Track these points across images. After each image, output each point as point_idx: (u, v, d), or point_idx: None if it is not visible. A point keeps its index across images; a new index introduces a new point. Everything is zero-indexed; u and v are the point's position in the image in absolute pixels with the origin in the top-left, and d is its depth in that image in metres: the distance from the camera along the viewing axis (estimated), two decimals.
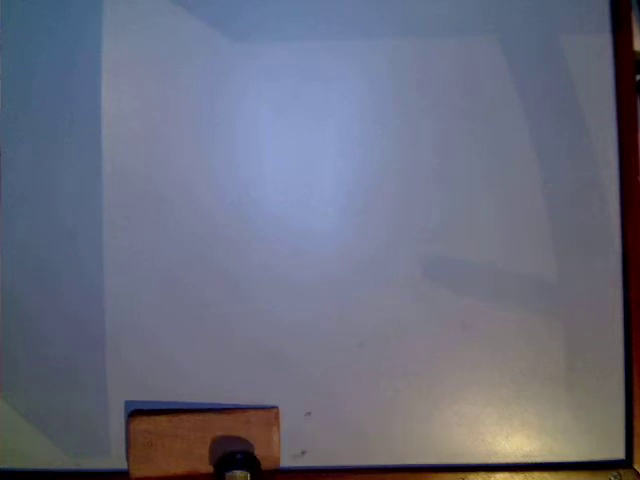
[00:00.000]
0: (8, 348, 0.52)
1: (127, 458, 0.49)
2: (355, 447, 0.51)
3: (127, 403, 0.51)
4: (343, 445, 0.51)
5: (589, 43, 0.52)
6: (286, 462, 0.51)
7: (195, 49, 0.53)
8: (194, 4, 0.53)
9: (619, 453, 0.51)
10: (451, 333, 0.51)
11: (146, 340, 0.52)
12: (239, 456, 0.48)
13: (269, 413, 0.50)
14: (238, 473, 0.46)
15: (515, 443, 0.51)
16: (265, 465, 0.49)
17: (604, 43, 0.52)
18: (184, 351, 0.52)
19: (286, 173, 0.53)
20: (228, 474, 0.46)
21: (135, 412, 0.50)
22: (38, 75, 0.53)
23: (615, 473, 0.50)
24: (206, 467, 0.49)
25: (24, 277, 0.52)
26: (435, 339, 0.51)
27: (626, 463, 0.50)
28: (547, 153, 0.52)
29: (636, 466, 0.50)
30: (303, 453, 0.51)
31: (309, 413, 0.51)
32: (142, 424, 0.49)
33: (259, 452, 0.49)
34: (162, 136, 0.53)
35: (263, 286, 0.52)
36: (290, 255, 0.52)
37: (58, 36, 0.53)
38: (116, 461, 0.51)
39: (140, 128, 0.53)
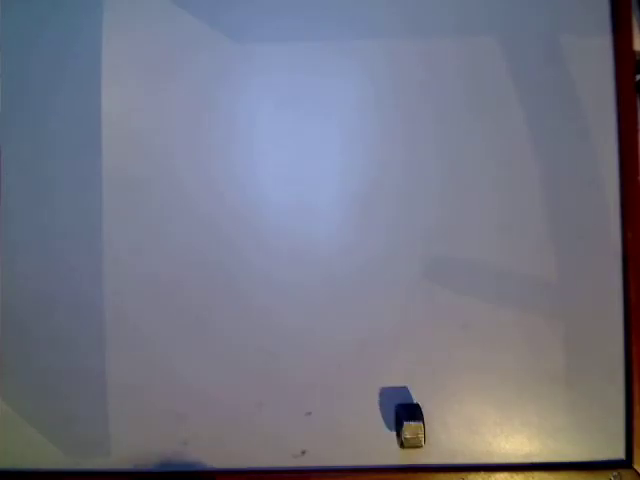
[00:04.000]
0: (8, 349, 0.52)
1: None
2: (355, 447, 0.51)
3: (127, 403, 0.52)
4: (343, 445, 0.51)
5: (589, 43, 0.52)
6: (286, 462, 0.51)
7: (194, 48, 0.53)
8: (193, 3, 0.53)
9: (619, 453, 0.51)
10: (451, 333, 0.51)
11: (146, 341, 0.52)
12: (415, 408, 0.49)
13: None
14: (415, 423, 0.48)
15: (515, 443, 0.51)
16: None
17: (604, 43, 0.52)
18: (184, 352, 0.52)
19: (286, 174, 0.53)
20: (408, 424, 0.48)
21: None
22: (38, 75, 0.53)
23: (615, 473, 0.50)
24: None
25: (24, 277, 0.52)
26: (435, 339, 0.51)
27: (626, 463, 0.50)
28: (547, 153, 0.52)
29: (636, 466, 0.50)
30: (303, 453, 0.51)
31: (309, 413, 0.51)
32: None
33: None
34: (161, 137, 0.53)
35: (263, 287, 0.52)
36: (291, 256, 0.52)
37: (57, 35, 0.53)
38: (116, 461, 0.51)
39: (139, 128, 0.53)
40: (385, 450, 0.51)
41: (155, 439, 0.51)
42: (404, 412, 0.49)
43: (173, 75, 0.53)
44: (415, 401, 0.51)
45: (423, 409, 0.51)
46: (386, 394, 0.51)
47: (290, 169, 0.53)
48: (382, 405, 0.51)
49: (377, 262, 0.52)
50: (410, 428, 0.47)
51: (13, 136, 0.53)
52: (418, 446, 0.47)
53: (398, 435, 0.49)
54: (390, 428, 0.51)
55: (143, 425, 0.51)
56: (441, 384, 0.51)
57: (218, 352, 0.52)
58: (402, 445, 0.48)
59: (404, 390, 0.51)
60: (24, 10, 0.53)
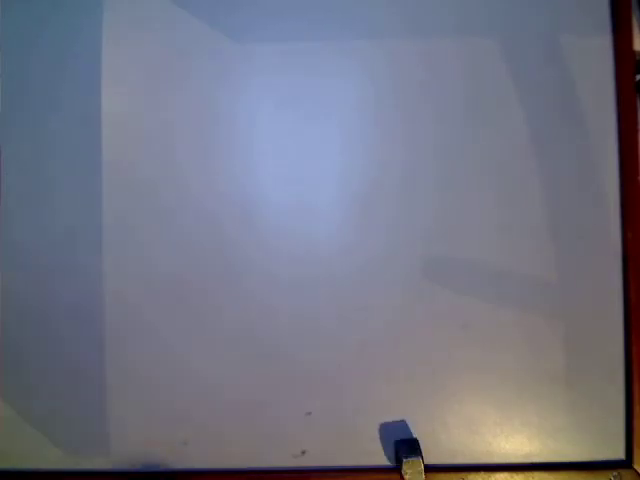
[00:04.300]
0: (8, 348, 0.52)
1: None
2: (355, 447, 0.51)
3: (127, 403, 0.52)
4: (343, 445, 0.51)
5: (589, 43, 0.52)
6: (286, 462, 0.51)
7: (194, 49, 0.53)
8: (193, 3, 0.53)
9: (619, 453, 0.51)
10: (451, 333, 0.51)
11: (146, 340, 0.52)
12: (414, 443, 0.50)
13: None
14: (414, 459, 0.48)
15: (515, 443, 0.51)
16: None
17: (604, 43, 0.52)
18: (185, 352, 0.52)
19: (287, 174, 0.53)
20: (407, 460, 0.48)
21: None
22: (38, 75, 0.53)
23: (615, 473, 0.50)
24: None
25: (24, 277, 0.52)
26: (435, 339, 0.51)
27: (626, 463, 0.50)
28: (547, 153, 0.52)
29: (636, 466, 0.50)
30: (303, 453, 0.51)
31: (309, 413, 0.51)
32: None
33: None
34: (161, 137, 0.53)
35: (263, 287, 0.52)
36: (291, 256, 0.52)
37: (58, 36, 0.53)
38: (116, 461, 0.51)
39: (140, 128, 0.53)
40: (385, 450, 0.51)
41: (155, 439, 0.51)
42: (403, 448, 0.49)
43: (173, 75, 0.53)
44: (414, 435, 0.51)
45: (423, 409, 0.51)
46: (385, 429, 0.51)
47: (290, 169, 0.53)
48: (382, 417, 0.51)
49: (377, 262, 0.52)
50: (410, 464, 0.48)
51: (13, 136, 0.53)
52: None
53: (399, 470, 0.49)
54: (391, 461, 0.51)
55: (143, 425, 0.51)
56: (441, 384, 0.51)
57: (218, 352, 0.52)
58: None
59: (402, 423, 0.51)
60: (24, 10, 0.53)
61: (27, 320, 0.52)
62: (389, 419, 0.51)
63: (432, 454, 0.51)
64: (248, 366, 0.52)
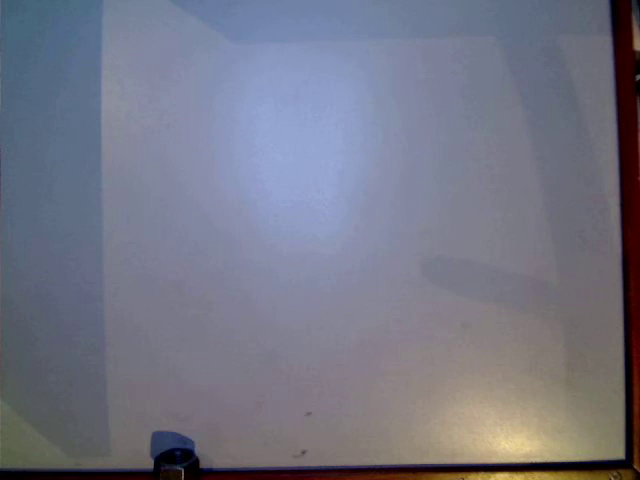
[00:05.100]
0: (8, 348, 0.52)
1: None
2: (355, 447, 0.51)
3: (127, 403, 0.52)
4: (343, 445, 0.51)
5: (589, 43, 0.52)
6: (286, 462, 0.51)
7: (194, 48, 0.53)
8: (193, 3, 0.53)
9: (619, 453, 0.51)
10: (451, 333, 0.51)
11: (146, 340, 0.52)
12: (178, 453, 0.49)
13: None
14: (171, 469, 0.47)
15: (515, 443, 0.51)
16: None
17: (604, 43, 0.52)
18: (184, 351, 0.52)
19: (286, 174, 0.53)
20: (163, 469, 0.47)
21: None
22: (38, 75, 0.53)
23: (615, 473, 0.50)
24: None
25: (23, 277, 0.52)
26: (435, 339, 0.51)
27: (626, 463, 0.50)
28: (547, 153, 0.52)
29: (636, 466, 0.50)
30: (303, 453, 0.51)
31: (309, 413, 0.51)
32: None
33: None
34: (161, 136, 0.53)
35: (263, 287, 0.52)
36: (290, 256, 0.52)
37: (58, 35, 0.53)
38: (116, 461, 0.51)
39: (139, 128, 0.53)
40: (385, 450, 0.51)
41: (155, 439, 0.51)
42: (165, 457, 0.49)
43: (173, 75, 0.53)
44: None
45: (423, 408, 0.51)
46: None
47: (290, 169, 0.53)
48: None
49: (377, 262, 0.52)
50: (165, 474, 0.47)
51: (13, 136, 0.53)
52: None
53: None
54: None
55: (143, 425, 0.51)
56: (440, 384, 0.51)
57: (218, 352, 0.52)
58: None
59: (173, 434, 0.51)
60: (24, 10, 0.53)
61: (27, 320, 0.52)
62: (389, 419, 0.51)
63: (432, 454, 0.51)
64: (248, 366, 0.52)
